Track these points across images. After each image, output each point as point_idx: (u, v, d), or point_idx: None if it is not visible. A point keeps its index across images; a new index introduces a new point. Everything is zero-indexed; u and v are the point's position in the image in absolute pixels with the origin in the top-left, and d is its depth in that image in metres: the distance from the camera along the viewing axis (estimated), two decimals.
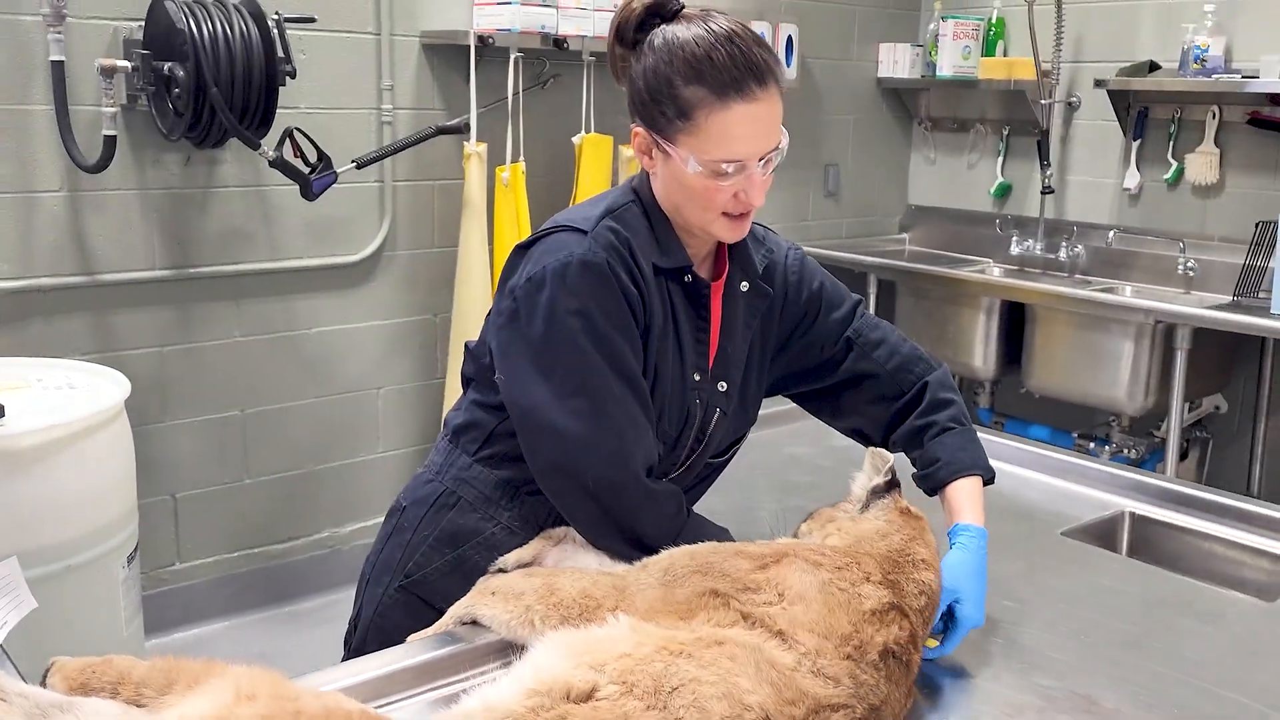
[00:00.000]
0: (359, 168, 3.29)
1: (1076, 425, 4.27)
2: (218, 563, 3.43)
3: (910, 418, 1.65)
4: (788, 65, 4.31)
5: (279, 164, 3.04)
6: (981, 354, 4.30)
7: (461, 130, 3.44)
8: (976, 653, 1.45)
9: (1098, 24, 4.32)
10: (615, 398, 1.43)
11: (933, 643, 1.40)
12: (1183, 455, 3.93)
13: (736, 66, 1.40)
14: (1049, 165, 4.39)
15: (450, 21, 3.55)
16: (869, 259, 4.51)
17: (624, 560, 1.42)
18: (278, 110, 2.98)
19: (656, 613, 1.23)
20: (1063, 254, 4.41)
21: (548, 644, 1.15)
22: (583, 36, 3.61)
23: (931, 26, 4.71)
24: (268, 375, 3.43)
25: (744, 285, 1.58)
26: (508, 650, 1.32)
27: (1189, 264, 4.05)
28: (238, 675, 1.00)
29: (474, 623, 1.37)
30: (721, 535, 1.49)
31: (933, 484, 1.61)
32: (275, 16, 3.02)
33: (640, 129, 1.48)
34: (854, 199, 4.91)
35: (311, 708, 0.99)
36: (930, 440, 1.62)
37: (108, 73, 2.88)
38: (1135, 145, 4.24)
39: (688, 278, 1.52)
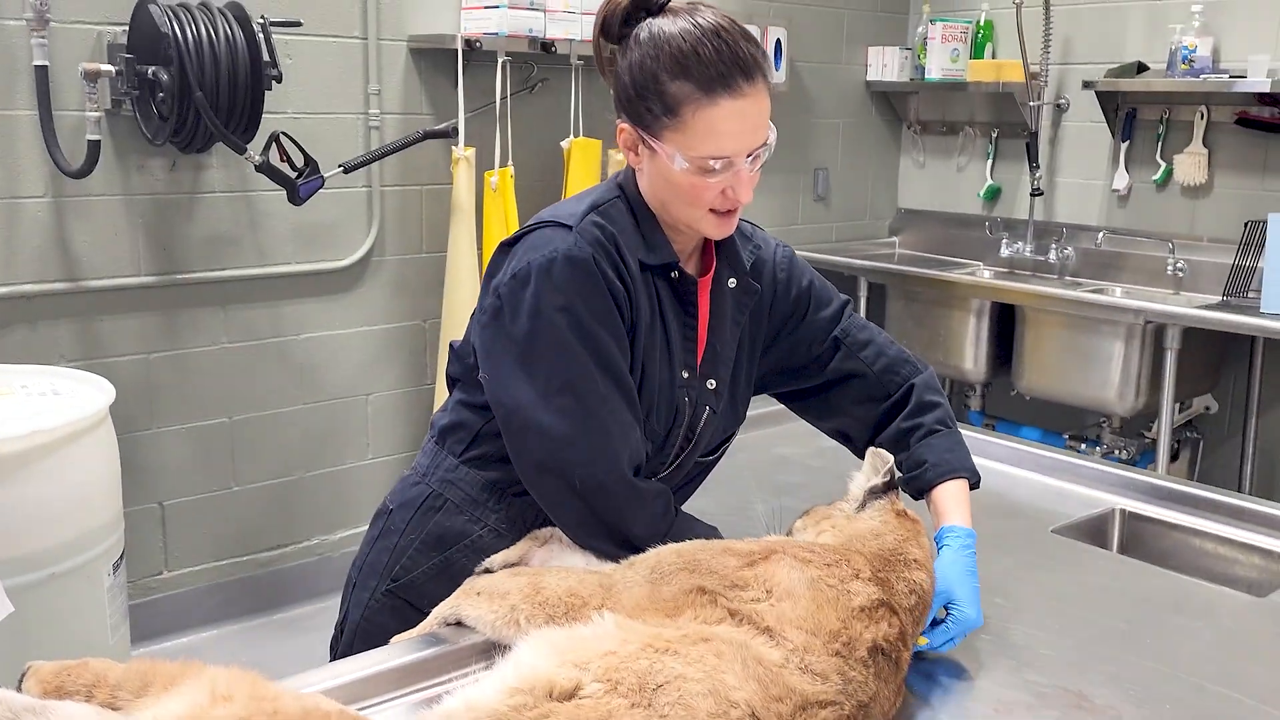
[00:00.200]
0: (346, 172, 3.28)
1: (1067, 427, 4.27)
2: (206, 570, 3.41)
3: (897, 419, 1.63)
4: (776, 69, 4.31)
5: (265, 169, 3.02)
6: (972, 356, 4.30)
7: (449, 135, 3.43)
8: (967, 650, 1.44)
9: (1086, 25, 4.32)
10: (601, 396, 1.41)
11: (924, 640, 1.39)
12: (1174, 456, 3.94)
13: (724, 62, 1.38)
14: (1038, 167, 4.39)
15: (437, 25, 3.53)
16: (859, 262, 4.51)
17: (611, 561, 1.40)
18: (264, 115, 2.97)
19: (643, 610, 1.21)
20: (1052, 255, 4.41)
21: (532, 642, 1.14)
22: (570, 40, 3.59)
23: (920, 29, 4.71)
24: (256, 382, 3.41)
25: (732, 281, 1.56)
26: (492, 651, 1.30)
27: (1178, 264, 4.05)
28: (214, 676, 0.99)
29: (459, 623, 1.35)
30: (710, 534, 1.47)
31: (919, 486, 1.60)
32: (261, 20, 3.00)
33: (626, 125, 1.45)
34: (843, 202, 4.91)
35: (289, 709, 0.97)
36: (917, 443, 1.61)
37: (91, 77, 2.87)
38: (1124, 146, 4.25)
39: (674, 274, 1.50)
